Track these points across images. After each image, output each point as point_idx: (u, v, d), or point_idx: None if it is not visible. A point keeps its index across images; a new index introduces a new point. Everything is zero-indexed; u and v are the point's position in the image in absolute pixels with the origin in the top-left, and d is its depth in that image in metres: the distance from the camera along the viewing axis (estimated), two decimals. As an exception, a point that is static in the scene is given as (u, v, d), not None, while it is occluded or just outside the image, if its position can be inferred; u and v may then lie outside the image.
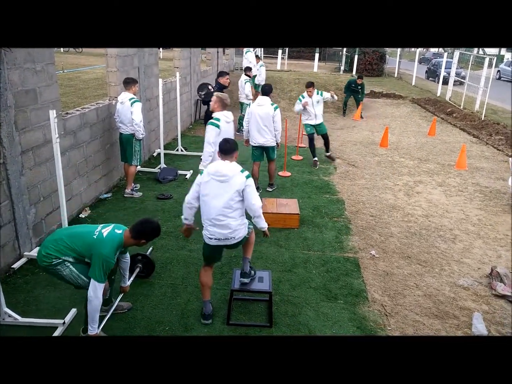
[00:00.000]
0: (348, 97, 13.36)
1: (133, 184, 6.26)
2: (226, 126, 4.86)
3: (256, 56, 12.33)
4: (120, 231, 3.13)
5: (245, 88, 9.35)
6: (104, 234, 3.07)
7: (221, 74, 7.43)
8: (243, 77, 9.47)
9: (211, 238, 3.48)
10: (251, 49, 12.53)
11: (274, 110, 6.12)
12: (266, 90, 6.35)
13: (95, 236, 3.06)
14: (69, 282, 3.17)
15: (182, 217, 3.65)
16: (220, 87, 7.28)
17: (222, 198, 3.37)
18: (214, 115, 4.89)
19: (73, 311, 3.62)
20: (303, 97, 7.70)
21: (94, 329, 3.06)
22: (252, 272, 3.82)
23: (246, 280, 3.73)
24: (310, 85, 7.64)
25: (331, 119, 12.73)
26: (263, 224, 3.63)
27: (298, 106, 7.81)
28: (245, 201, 3.44)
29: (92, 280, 2.97)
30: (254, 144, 6.30)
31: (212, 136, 4.75)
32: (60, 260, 3.05)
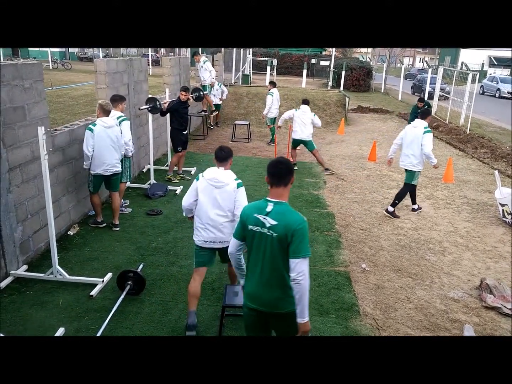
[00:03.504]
0: None
1: (122, 200, 6.21)
2: (103, 131, 5.17)
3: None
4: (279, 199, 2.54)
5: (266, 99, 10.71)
6: (273, 210, 2.50)
7: (182, 89, 7.36)
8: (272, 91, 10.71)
9: (205, 241, 3.61)
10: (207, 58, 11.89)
11: (314, 115, 8.57)
12: (305, 101, 8.64)
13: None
14: None
15: (184, 214, 3.86)
16: (179, 101, 7.26)
17: (217, 203, 3.52)
18: (95, 120, 5.24)
19: (61, 330, 3.54)
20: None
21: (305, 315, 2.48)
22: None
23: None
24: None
25: (319, 134, 12.84)
26: None
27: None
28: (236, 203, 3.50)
29: (301, 258, 2.40)
30: (294, 138, 8.64)
31: (87, 139, 5.12)
32: None
